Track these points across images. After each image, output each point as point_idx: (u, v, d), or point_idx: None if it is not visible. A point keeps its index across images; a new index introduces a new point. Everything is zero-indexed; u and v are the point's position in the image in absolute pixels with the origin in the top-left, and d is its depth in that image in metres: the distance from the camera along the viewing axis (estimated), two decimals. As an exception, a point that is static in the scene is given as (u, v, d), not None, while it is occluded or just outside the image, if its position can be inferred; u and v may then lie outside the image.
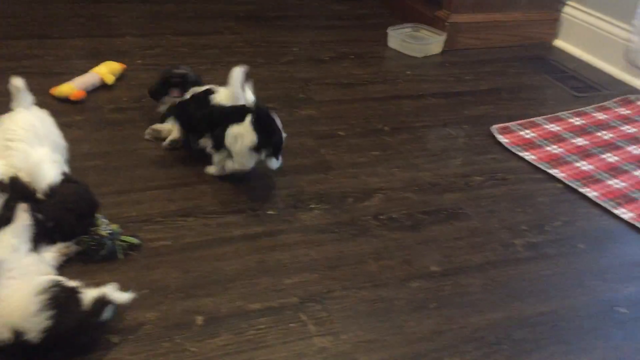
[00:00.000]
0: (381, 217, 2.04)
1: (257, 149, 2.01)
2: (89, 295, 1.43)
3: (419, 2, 3.66)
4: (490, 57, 3.41)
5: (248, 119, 2.00)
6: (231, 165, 2.09)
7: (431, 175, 2.30)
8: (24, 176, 1.69)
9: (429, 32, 3.44)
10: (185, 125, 2.23)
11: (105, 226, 1.74)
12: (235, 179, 2.13)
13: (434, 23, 3.46)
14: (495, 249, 1.96)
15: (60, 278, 1.46)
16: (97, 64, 2.67)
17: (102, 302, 1.43)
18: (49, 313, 1.34)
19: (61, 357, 1.41)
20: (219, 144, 2.06)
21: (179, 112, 2.24)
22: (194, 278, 1.71)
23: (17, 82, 1.90)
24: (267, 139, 2.01)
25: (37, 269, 1.50)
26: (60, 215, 1.65)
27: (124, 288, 1.55)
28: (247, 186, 2.11)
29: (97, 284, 1.55)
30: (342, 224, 1.99)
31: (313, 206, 2.06)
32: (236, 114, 2.03)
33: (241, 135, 2.00)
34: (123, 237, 1.76)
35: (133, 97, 2.59)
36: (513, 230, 2.06)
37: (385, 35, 3.41)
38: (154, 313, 1.58)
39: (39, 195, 1.68)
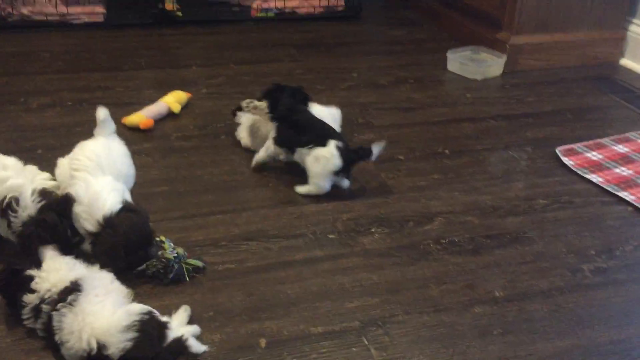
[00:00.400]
0: (442, 241, 2.03)
1: (337, 173, 2.12)
2: (173, 333, 1.49)
3: (479, 24, 3.64)
4: (553, 78, 3.35)
5: (333, 143, 2.08)
6: (306, 189, 2.18)
7: (493, 199, 2.26)
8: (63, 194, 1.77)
9: (488, 54, 3.41)
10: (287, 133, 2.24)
11: (171, 249, 1.80)
12: (296, 203, 2.17)
13: (494, 45, 3.43)
14: (562, 274, 1.91)
15: (153, 310, 1.52)
16: (164, 93, 2.79)
17: (180, 345, 1.49)
18: (134, 336, 1.42)
19: None
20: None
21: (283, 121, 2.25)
22: (257, 301, 1.74)
23: (100, 112, 1.99)
24: (348, 165, 2.14)
25: (117, 288, 1.58)
26: (109, 250, 1.69)
27: (192, 310, 1.61)
28: (308, 210, 2.14)
29: (166, 306, 1.61)
30: (403, 248, 1.99)
31: (374, 230, 2.06)
32: (320, 134, 2.14)
33: (325, 158, 2.11)
34: (188, 260, 1.81)
35: (198, 125, 2.68)
36: (581, 255, 2.00)
37: (444, 58, 3.40)
38: (218, 335, 1.62)
39: (93, 228, 1.72)
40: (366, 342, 1.62)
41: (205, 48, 3.57)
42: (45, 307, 1.49)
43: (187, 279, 1.78)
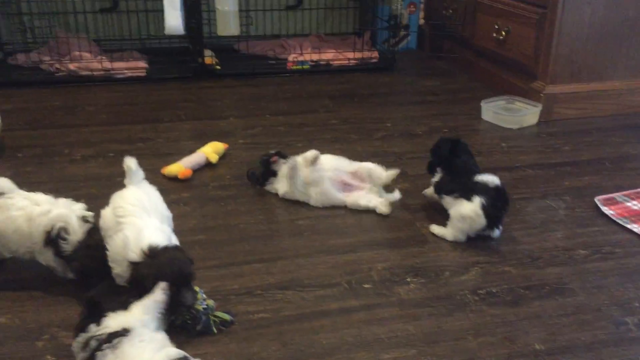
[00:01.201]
0: (480, 291, 2.00)
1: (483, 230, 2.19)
2: None
3: (513, 74, 3.66)
4: (590, 126, 3.33)
5: (478, 200, 2.14)
6: (442, 233, 2.28)
7: (531, 249, 2.23)
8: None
9: (523, 104, 3.42)
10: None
11: (201, 301, 1.81)
12: (331, 253, 2.17)
13: (529, 94, 3.44)
14: (605, 327, 1.85)
15: (188, 355, 1.52)
16: (202, 144, 2.86)
17: None
18: None
19: None
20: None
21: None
22: (292, 351, 1.73)
23: (130, 162, 2.04)
24: (494, 222, 2.19)
25: (160, 337, 1.59)
26: (145, 278, 1.70)
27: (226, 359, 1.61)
28: (343, 260, 2.14)
29: (201, 355, 1.61)
30: (439, 298, 1.96)
31: (409, 280, 2.04)
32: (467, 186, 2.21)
33: (470, 218, 2.17)
34: (217, 313, 1.81)
35: (235, 174, 2.73)
36: (624, 307, 1.94)
37: (479, 108, 3.42)
38: (253, 385, 1.61)
39: (137, 257, 1.74)
40: (403, 395, 1.59)
41: (242, 100, 3.67)
42: (93, 343, 1.51)
43: (214, 331, 1.78)
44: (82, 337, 1.54)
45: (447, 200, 2.29)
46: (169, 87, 3.85)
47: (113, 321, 1.55)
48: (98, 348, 1.48)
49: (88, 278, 1.84)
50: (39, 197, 1.97)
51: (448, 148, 2.34)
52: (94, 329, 1.54)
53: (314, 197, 2.45)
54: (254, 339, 1.77)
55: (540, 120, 3.35)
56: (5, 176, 2.67)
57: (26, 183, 2.58)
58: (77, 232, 1.87)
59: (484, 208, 2.14)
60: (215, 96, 3.72)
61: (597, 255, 2.20)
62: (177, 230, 2.13)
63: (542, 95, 3.35)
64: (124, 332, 1.51)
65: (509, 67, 3.71)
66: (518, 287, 2.02)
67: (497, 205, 2.17)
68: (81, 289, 1.86)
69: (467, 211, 2.17)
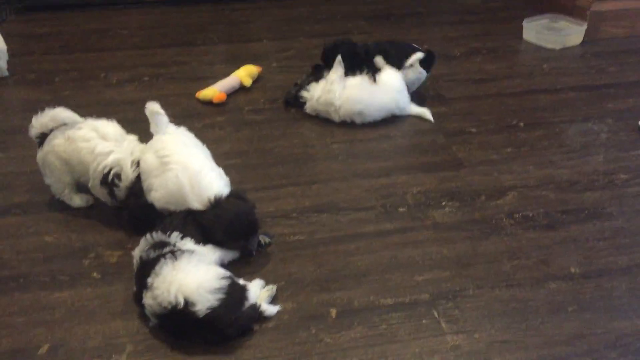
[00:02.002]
0: (515, 215, 1.99)
1: None
2: (252, 296, 1.58)
3: (557, -9, 3.49)
4: (637, 46, 3.18)
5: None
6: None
7: (570, 173, 2.19)
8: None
9: (567, 23, 3.27)
10: None
11: None
12: (366, 176, 2.17)
13: (574, 13, 3.28)
14: (643, 251, 1.84)
15: (233, 276, 1.60)
16: (236, 67, 2.84)
17: (255, 311, 1.59)
18: (221, 296, 1.50)
19: (209, 339, 1.53)
20: None
21: None
22: (327, 272, 1.77)
23: (153, 107, 1.91)
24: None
25: (210, 259, 1.67)
26: (211, 232, 1.72)
27: (264, 279, 1.67)
28: (378, 183, 2.14)
29: (240, 276, 1.66)
30: (474, 222, 1.96)
31: (444, 203, 2.04)
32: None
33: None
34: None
35: (269, 98, 2.72)
36: (664, 232, 1.91)
37: (520, 27, 3.29)
38: (290, 304, 1.66)
39: (200, 206, 1.74)
40: (436, 315, 1.62)
41: (276, 21, 3.60)
42: (164, 250, 1.59)
43: (253, 254, 1.82)
44: (155, 238, 1.63)
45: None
46: (202, 9, 3.78)
47: (184, 241, 1.64)
48: (163, 255, 1.56)
49: (139, 226, 1.82)
50: (108, 129, 1.95)
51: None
52: (167, 238, 1.62)
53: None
54: (290, 260, 1.81)
55: (584, 39, 3.21)
56: (45, 100, 2.72)
57: (64, 106, 2.62)
58: (129, 177, 1.87)
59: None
60: (248, 18, 3.65)
61: (638, 180, 2.15)
62: (212, 155, 2.14)
63: (588, 12, 3.19)
64: (188, 252, 1.60)
65: (553, -16, 3.53)
66: (555, 211, 2.01)
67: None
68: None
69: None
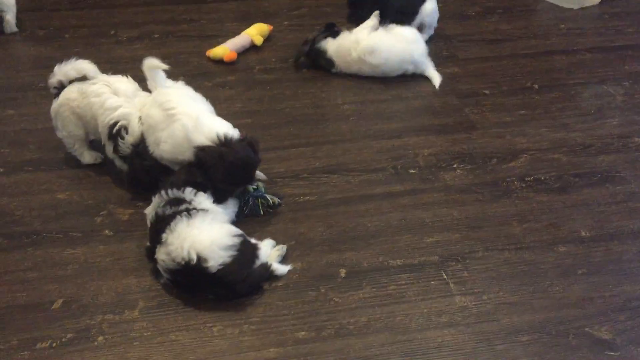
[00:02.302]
0: (527, 178, 1.97)
1: None
2: (263, 255, 1.60)
3: (577, -52, 3.38)
4: (658, 6, 3.10)
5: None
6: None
7: (584, 136, 2.17)
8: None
9: (586, -19, 3.18)
10: None
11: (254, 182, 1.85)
12: (377, 138, 2.16)
13: (593, -29, 3.19)
14: (654, 216, 1.83)
15: (243, 233, 1.62)
16: (247, 26, 2.80)
17: (266, 270, 1.61)
18: (233, 253, 1.53)
19: (220, 295, 1.56)
20: None
21: None
22: (337, 233, 1.78)
23: (152, 61, 1.90)
24: None
25: (223, 217, 1.69)
26: (212, 169, 1.70)
27: (274, 238, 1.68)
28: (389, 145, 2.13)
29: (249, 234, 1.67)
30: (485, 185, 1.95)
31: (455, 166, 2.03)
32: None
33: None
34: (265, 195, 1.85)
35: (280, 57, 2.68)
36: (677, 197, 1.90)
37: (537, -14, 3.21)
38: (300, 264, 1.68)
39: (207, 140, 1.72)
40: (445, 277, 1.63)
41: (287, -22, 3.52)
42: (180, 207, 1.60)
43: (261, 213, 1.83)
44: (170, 194, 1.63)
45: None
46: (212, -35, 3.71)
47: (199, 199, 1.64)
48: (179, 212, 1.58)
49: (138, 187, 1.87)
50: (121, 84, 1.94)
51: None
52: (184, 195, 1.63)
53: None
54: (300, 221, 1.82)
55: (603, -1, 3.14)
56: (55, 56, 2.69)
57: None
58: (135, 132, 1.86)
59: None
60: (259, -25, 3.58)
61: (653, 144, 2.13)
62: (223, 114, 2.13)
63: (608, -29, 3.11)
64: (203, 211, 1.61)
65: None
66: (567, 174, 1.99)
67: None
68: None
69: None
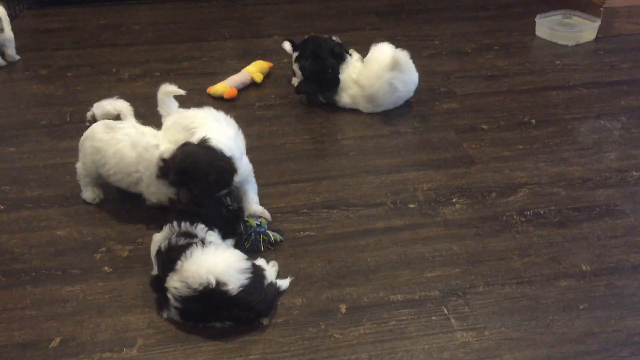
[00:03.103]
0: (526, 212, 1.98)
1: None
2: (268, 275, 1.67)
3: (570, -13, 3.46)
4: (652, 42, 3.15)
5: None
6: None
7: (582, 170, 2.18)
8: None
9: (581, 19, 3.24)
10: None
11: (256, 217, 1.85)
12: (376, 173, 2.17)
13: (587, 9, 3.25)
14: (655, 249, 1.82)
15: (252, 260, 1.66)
16: (247, 63, 2.84)
17: (275, 289, 1.66)
18: (248, 275, 1.56)
19: (239, 318, 1.56)
20: None
21: None
22: (337, 268, 1.77)
23: (170, 87, 1.97)
24: None
25: (232, 249, 1.72)
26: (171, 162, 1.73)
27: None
28: (388, 180, 2.14)
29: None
30: (484, 219, 1.95)
31: (455, 200, 2.04)
32: None
33: None
34: (268, 232, 1.85)
35: (280, 94, 2.72)
36: (677, 230, 1.89)
37: (533, 24, 3.27)
38: (300, 299, 1.66)
39: (192, 138, 1.73)
40: (446, 312, 1.62)
41: (287, 17, 3.59)
42: (194, 239, 1.63)
43: (262, 249, 1.83)
44: (182, 227, 1.65)
45: None
46: (213, 4, 3.79)
47: (210, 236, 1.67)
48: (193, 242, 1.60)
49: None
50: (145, 128, 1.94)
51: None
52: (195, 231, 1.66)
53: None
54: (300, 256, 1.81)
55: (598, 36, 3.18)
56: (57, 94, 2.74)
57: (76, 102, 2.65)
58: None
59: None
60: (259, 14, 3.65)
61: (651, 178, 2.14)
62: (224, 150, 2.15)
63: (601, 8, 3.17)
64: (214, 244, 1.66)
65: (567, -21, 3.50)
66: (566, 208, 1.99)
67: None
68: (139, 205, 1.95)
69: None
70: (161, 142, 1.86)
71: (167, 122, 1.92)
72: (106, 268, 1.78)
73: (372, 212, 1.99)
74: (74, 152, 2.29)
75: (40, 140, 2.39)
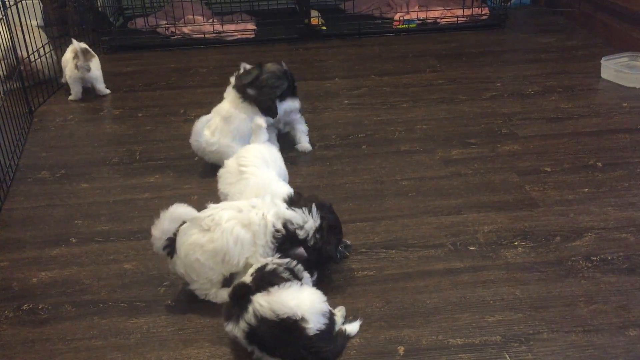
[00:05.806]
0: (593, 258, 1.92)
1: None
2: (338, 321, 1.66)
3: (638, 29, 3.39)
4: None
5: None
6: None
7: (652, 215, 2.10)
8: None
9: (649, 61, 3.17)
10: None
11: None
12: (435, 214, 2.16)
13: (655, 50, 3.18)
14: None
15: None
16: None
17: (344, 336, 1.66)
18: (326, 321, 1.58)
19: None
20: None
21: None
22: (395, 309, 1.76)
23: (259, 121, 2.23)
24: None
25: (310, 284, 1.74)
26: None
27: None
28: (448, 221, 2.12)
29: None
30: (548, 264, 1.90)
31: (517, 243, 2.00)
32: None
33: None
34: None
35: (340, 134, 2.76)
36: None
37: (597, 66, 3.21)
38: (358, 340, 1.66)
39: (284, 201, 1.81)
40: (508, 358, 1.58)
41: (348, 60, 3.67)
42: (282, 274, 1.65)
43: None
44: (274, 263, 1.67)
45: None
46: (276, 48, 3.92)
47: (305, 276, 1.71)
48: (295, 281, 1.63)
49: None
50: (226, 204, 1.85)
51: None
52: (295, 269, 1.69)
53: None
54: (358, 295, 1.81)
55: (667, 78, 3.10)
56: (128, 133, 2.87)
57: (146, 141, 2.77)
58: (304, 219, 1.78)
59: None
60: (321, 57, 3.75)
61: None
62: (285, 188, 2.20)
63: (671, 50, 3.09)
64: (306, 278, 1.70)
65: (633, 21, 3.44)
66: (636, 254, 1.92)
67: None
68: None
69: None
70: (263, 206, 1.79)
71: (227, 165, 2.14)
72: (169, 301, 1.83)
73: (432, 253, 1.97)
74: (143, 188, 2.41)
75: (111, 177, 2.51)
